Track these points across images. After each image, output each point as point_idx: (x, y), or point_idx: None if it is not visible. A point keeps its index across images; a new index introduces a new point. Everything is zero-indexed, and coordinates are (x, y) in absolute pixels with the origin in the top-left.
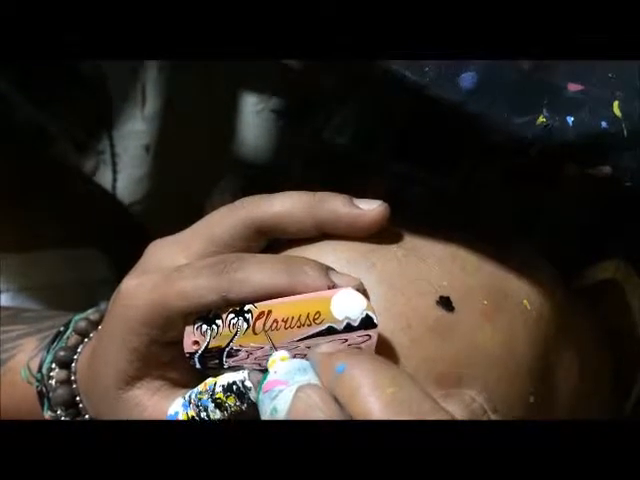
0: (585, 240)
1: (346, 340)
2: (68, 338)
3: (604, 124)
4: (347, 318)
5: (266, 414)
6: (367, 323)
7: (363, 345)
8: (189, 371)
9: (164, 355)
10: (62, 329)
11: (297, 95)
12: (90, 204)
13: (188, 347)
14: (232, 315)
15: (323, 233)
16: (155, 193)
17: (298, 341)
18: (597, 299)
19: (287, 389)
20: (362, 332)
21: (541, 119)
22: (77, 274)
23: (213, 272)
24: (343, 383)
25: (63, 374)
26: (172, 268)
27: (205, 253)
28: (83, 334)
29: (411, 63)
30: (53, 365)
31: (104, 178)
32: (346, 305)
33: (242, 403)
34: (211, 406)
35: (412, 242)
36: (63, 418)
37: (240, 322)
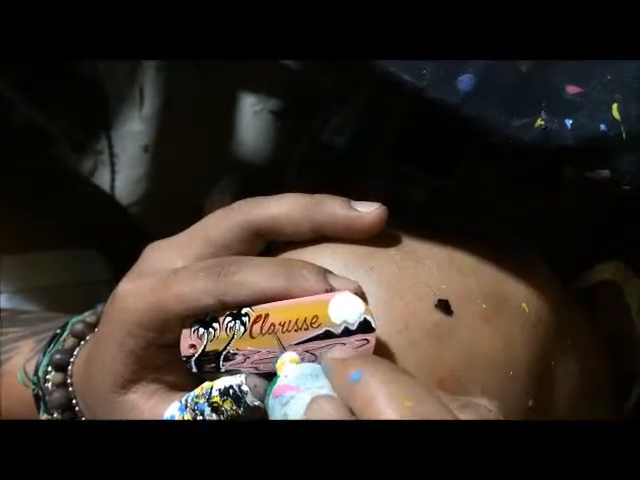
0: (584, 242)
1: (344, 344)
2: (64, 341)
3: (603, 127)
4: (345, 322)
5: None
6: (365, 327)
7: (361, 349)
8: (186, 374)
9: (160, 358)
10: (58, 331)
11: (296, 96)
12: (89, 205)
13: (185, 350)
14: (229, 318)
15: (321, 236)
16: (153, 193)
17: (296, 345)
18: (596, 301)
19: (298, 395)
20: (360, 336)
21: (539, 122)
22: (76, 275)
23: (210, 275)
24: (357, 393)
25: (59, 377)
26: (169, 271)
27: (202, 256)
28: (79, 337)
29: (409, 65)
30: (49, 368)
31: (102, 178)
32: (344, 309)
33: (239, 407)
34: (207, 410)
35: (410, 245)
36: None
37: (237, 325)
